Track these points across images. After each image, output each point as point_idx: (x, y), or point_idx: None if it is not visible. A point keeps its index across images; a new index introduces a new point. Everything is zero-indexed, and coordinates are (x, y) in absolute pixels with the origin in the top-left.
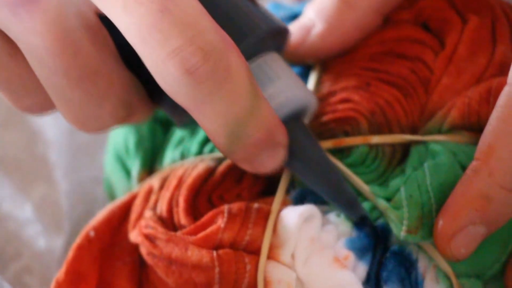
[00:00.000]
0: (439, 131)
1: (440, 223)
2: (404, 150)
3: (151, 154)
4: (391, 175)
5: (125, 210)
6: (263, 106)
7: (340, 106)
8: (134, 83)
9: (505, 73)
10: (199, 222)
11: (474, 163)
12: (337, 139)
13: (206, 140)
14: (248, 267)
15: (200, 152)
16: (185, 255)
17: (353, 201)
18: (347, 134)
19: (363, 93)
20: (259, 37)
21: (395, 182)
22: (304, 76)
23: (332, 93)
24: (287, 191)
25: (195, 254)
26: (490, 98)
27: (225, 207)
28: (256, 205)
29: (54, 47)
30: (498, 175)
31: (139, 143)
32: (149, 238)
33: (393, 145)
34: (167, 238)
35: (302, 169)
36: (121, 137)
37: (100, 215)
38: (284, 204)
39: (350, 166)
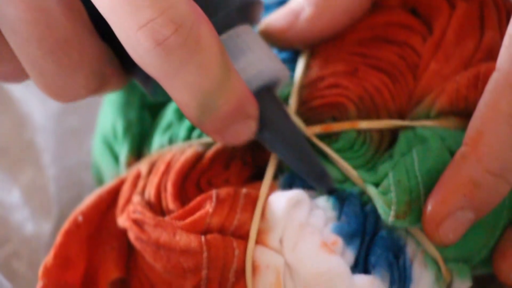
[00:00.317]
0: (428, 117)
1: (429, 208)
2: (393, 135)
3: (139, 139)
4: (379, 160)
5: (113, 195)
6: (234, 78)
7: (329, 92)
8: (108, 54)
9: (493, 58)
10: (187, 207)
11: (462, 149)
12: (326, 124)
13: (194, 126)
14: (237, 252)
15: (188, 137)
16: (173, 240)
17: (323, 173)
18: (335, 119)
19: (351, 78)
20: (231, 9)
21: (383, 167)
22: (293, 61)
23: (320, 78)
24: (275, 176)
25: (183, 239)
26: (478, 83)
27: (213, 192)
28: (244, 190)
29: (26, 16)
30: (487, 160)
31: (127, 128)
32: (137, 223)
33: (381, 131)
34: (155, 223)
35: (272, 141)
36: (109, 122)
37: (88, 200)
38: (272, 189)
39: (338, 151)
